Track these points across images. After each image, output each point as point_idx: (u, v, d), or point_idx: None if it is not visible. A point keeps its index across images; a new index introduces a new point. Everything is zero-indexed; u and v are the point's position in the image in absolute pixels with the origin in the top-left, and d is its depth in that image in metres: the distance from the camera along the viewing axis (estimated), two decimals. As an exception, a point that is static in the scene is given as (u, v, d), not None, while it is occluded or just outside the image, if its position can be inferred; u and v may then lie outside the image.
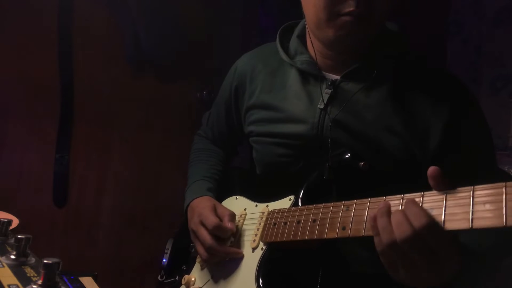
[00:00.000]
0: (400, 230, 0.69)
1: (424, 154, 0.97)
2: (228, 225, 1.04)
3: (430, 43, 2.83)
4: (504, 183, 0.61)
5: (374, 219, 0.74)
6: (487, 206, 0.62)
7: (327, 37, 0.99)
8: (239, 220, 1.08)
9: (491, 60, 2.73)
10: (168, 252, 1.28)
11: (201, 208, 1.10)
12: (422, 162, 0.97)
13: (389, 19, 1.09)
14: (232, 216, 1.07)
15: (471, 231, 0.64)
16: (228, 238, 1.06)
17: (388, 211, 0.73)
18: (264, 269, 0.95)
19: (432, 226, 0.68)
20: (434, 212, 0.68)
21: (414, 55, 1.07)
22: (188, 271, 1.16)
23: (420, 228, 0.68)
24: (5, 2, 1.87)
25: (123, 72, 2.16)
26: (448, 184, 0.69)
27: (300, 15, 1.17)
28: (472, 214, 0.63)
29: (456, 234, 0.71)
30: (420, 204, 0.70)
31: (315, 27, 1.02)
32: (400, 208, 0.73)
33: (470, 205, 0.64)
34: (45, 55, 1.97)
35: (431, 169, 0.70)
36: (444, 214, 0.67)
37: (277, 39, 1.16)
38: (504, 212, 0.60)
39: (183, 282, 1.12)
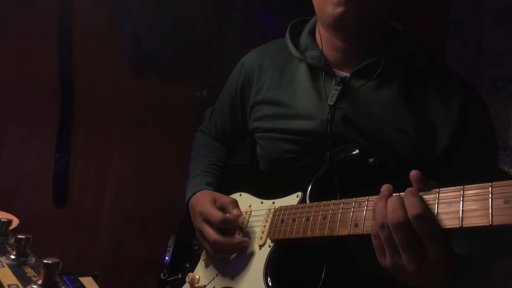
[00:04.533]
0: (393, 214, 0.71)
1: (431, 154, 0.98)
2: (234, 212, 1.03)
3: (430, 43, 2.82)
4: None
5: (376, 203, 0.76)
6: (507, 202, 0.61)
7: (327, 17, 0.99)
8: (244, 217, 1.06)
9: (491, 60, 2.73)
10: (170, 249, 1.26)
11: (200, 205, 1.08)
12: (429, 162, 0.98)
13: (391, 19, 1.09)
14: (234, 202, 1.06)
15: (483, 230, 0.63)
16: (234, 232, 1.05)
17: (389, 195, 0.75)
18: (272, 267, 0.94)
19: (425, 216, 0.69)
20: (452, 208, 0.67)
21: (423, 56, 1.08)
22: (192, 269, 1.15)
23: (412, 216, 0.69)
24: (5, 2, 1.87)
25: (123, 72, 2.16)
26: (432, 185, 0.72)
27: (299, 16, 1.17)
28: (491, 210, 0.62)
29: (448, 240, 0.71)
30: (436, 201, 0.70)
31: (318, 10, 1.03)
32: None
33: (489, 200, 0.63)
34: (45, 55, 1.97)
35: (413, 173, 0.72)
36: (462, 210, 0.66)
37: (287, 34, 1.16)
38: None
39: (187, 280, 1.11)
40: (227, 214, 1.04)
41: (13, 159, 1.94)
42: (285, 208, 0.98)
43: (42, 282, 0.56)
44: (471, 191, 0.66)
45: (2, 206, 1.07)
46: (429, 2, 2.75)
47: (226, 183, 1.22)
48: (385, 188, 0.76)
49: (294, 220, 0.92)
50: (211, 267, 1.10)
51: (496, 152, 1.04)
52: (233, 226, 1.04)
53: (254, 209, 1.07)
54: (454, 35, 2.90)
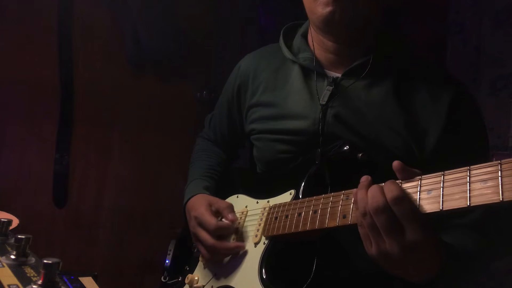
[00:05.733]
0: (373, 200, 0.73)
1: (422, 151, 0.99)
2: (229, 217, 1.05)
3: (430, 43, 2.82)
4: (499, 161, 0.63)
5: (356, 193, 0.78)
6: (484, 184, 0.64)
7: (316, 18, 1.01)
8: (241, 218, 1.08)
9: (491, 60, 2.72)
10: (171, 253, 1.28)
11: (195, 210, 1.10)
12: (421, 158, 0.99)
13: (389, 19, 1.10)
14: (230, 207, 1.07)
15: (468, 209, 0.65)
16: (230, 235, 1.06)
17: (368, 185, 0.77)
18: (267, 263, 0.96)
19: (402, 198, 0.71)
20: (432, 194, 0.70)
21: (414, 56, 1.09)
22: (191, 271, 1.17)
23: (390, 199, 0.71)
24: (5, 2, 1.87)
25: (123, 72, 2.16)
26: (416, 173, 0.74)
27: (299, 16, 1.18)
28: (469, 192, 0.65)
29: (430, 223, 0.72)
30: (418, 188, 0.72)
31: (309, 11, 1.05)
32: None
33: (467, 183, 0.66)
34: (45, 55, 1.97)
35: (395, 163, 0.75)
36: (442, 194, 0.68)
37: (281, 37, 1.18)
38: (500, 188, 0.62)
39: (186, 281, 1.13)
40: (222, 220, 1.06)
41: (13, 159, 1.94)
42: (279, 205, 1.00)
43: (42, 282, 0.56)
44: (451, 175, 0.69)
45: (2, 206, 1.08)
46: (429, 2, 2.75)
47: (225, 186, 1.23)
48: (364, 178, 0.79)
49: (287, 217, 0.95)
50: (208, 268, 1.11)
51: (488, 148, 1.05)
52: (228, 232, 1.06)
53: (250, 209, 1.08)
54: (454, 35, 2.89)
